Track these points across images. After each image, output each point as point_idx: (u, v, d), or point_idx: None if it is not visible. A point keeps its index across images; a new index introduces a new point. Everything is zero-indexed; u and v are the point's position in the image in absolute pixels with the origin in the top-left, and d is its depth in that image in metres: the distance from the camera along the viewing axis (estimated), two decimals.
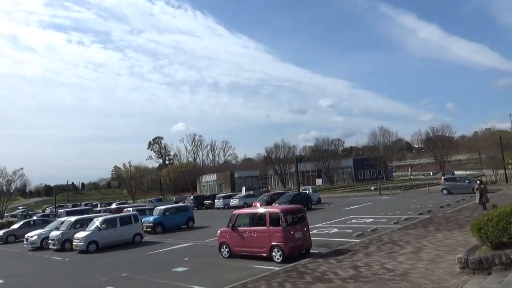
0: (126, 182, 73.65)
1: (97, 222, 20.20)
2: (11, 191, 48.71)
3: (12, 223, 41.42)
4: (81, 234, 19.60)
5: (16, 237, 27.93)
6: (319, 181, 53.21)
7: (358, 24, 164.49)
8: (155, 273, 13.04)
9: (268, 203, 32.54)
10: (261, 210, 13.79)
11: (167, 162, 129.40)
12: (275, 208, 13.84)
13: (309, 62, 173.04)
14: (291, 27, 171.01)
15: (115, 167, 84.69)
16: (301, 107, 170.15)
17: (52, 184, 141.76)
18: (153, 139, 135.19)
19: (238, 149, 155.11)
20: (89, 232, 19.64)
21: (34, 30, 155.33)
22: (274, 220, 12.59)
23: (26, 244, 22.82)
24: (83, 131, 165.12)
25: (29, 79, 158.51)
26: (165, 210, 26.11)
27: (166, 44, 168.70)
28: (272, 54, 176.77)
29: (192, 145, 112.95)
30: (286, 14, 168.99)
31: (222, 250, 14.24)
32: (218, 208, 42.71)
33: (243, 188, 61.54)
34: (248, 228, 13.38)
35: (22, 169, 48.16)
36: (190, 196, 50.56)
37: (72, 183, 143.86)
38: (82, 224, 21.71)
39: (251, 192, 47.77)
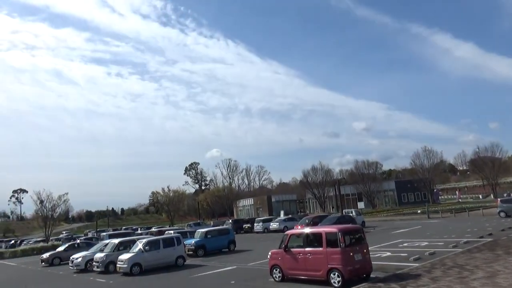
0: (164, 206, 74.23)
1: (140, 244, 19.99)
2: (56, 216, 50.09)
3: (57, 246, 42.40)
4: (124, 256, 19.41)
5: (61, 259, 28.26)
6: (361, 205, 51.27)
7: (390, 45, 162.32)
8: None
9: (311, 226, 31.42)
10: (317, 229, 13.01)
11: (203, 187, 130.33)
12: (332, 228, 12.98)
13: (341, 85, 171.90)
14: (321, 51, 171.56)
15: (153, 192, 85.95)
16: (334, 130, 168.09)
17: (93, 210, 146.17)
18: (189, 165, 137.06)
19: (273, 174, 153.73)
20: (133, 254, 19.42)
21: (76, 64, 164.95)
22: (331, 240, 11.74)
23: (71, 266, 22.94)
24: (121, 159, 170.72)
25: (71, 110, 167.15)
26: (206, 232, 25.66)
27: (199, 73, 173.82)
28: (303, 79, 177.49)
29: (227, 170, 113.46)
30: (316, 37, 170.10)
31: (274, 273, 13.46)
32: (257, 232, 41.77)
33: (281, 212, 60.41)
34: (303, 249, 12.58)
35: (67, 194, 49.54)
36: (229, 220, 49.96)
37: (112, 208, 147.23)
38: (125, 246, 21.60)
39: (290, 216, 46.51)
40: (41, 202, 46.56)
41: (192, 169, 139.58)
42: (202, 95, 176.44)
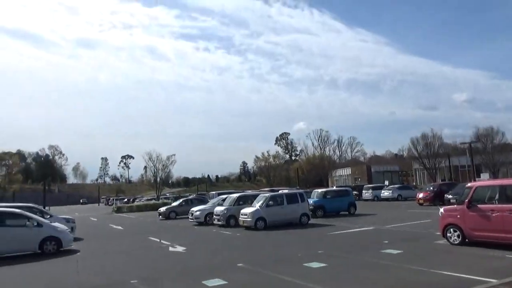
0: (264, 171, 74.52)
1: (263, 198, 18.72)
2: (165, 175, 52.66)
3: (167, 203, 44.48)
4: (248, 210, 18.32)
5: (176, 213, 28.88)
6: (484, 176, 44.94)
7: (497, 6, 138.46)
8: (361, 252, 10.41)
9: (437, 194, 27.73)
10: None
11: (293, 157, 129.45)
12: None
13: (437, 52, 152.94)
14: (414, 16, 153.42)
15: (256, 156, 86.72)
16: (430, 102, 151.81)
17: (189, 177, 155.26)
18: (279, 135, 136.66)
19: (365, 146, 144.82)
20: (257, 208, 18.23)
21: (167, 41, 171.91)
22: None
23: (191, 219, 22.85)
24: (209, 130, 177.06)
25: (164, 84, 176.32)
26: (325, 192, 23.73)
27: (283, 44, 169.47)
28: (393, 46, 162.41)
29: (318, 140, 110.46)
30: (407, 2, 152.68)
31: (449, 234, 10.90)
32: (365, 200, 38.95)
33: (386, 182, 56.25)
34: (498, 205, 9.75)
35: (174, 155, 51.71)
36: (333, 187, 47.63)
37: (208, 175, 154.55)
38: (245, 201, 20.66)
39: (405, 184, 42.53)
40: (152, 161, 49.03)
41: (283, 139, 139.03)
42: (287, 67, 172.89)
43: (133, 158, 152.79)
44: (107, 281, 8.83)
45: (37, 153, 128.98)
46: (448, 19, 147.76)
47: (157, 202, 48.09)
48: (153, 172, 51.27)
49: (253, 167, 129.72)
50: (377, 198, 38.28)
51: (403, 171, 75.36)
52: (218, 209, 20.58)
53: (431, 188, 29.02)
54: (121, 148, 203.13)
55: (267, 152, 68.76)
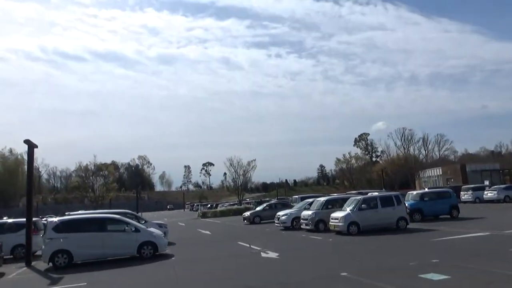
0: (347, 174, 72.01)
1: (355, 201, 17.49)
2: (248, 179, 53.21)
3: (249, 208, 44.74)
4: (339, 214, 17.23)
5: (261, 218, 28.66)
6: None
7: None
8: (487, 263, 8.84)
9: None
10: None
11: (374, 158, 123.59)
12: None
13: None
14: None
15: (337, 158, 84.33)
16: None
17: (267, 182, 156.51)
18: (358, 136, 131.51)
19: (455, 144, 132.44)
20: (348, 212, 17.07)
21: (240, 50, 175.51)
22: None
23: (277, 224, 22.32)
24: (284, 135, 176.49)
25: (239, 93, 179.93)
26: (423, 194, 21.64)
27: (357, 43, 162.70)
28: (482, 34, 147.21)
29: (401, 139, 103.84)
30: None
31: None
32: (464, 202, 35.12)
33: (486, 182, 50.70)
34: None
35: (254, 160, 52.06)
36: (425, 189, 44.01)
37: (286, 180, 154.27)
38: (333, 205, 19.62)
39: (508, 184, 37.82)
40: (233, 167, 49.86)
41: (362, 140, 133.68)
42: (361, 66, 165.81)
43: (213, 165, 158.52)
44: None
45: (129, 163, 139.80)
46: None
47: (239, 207, 48.72)
48: (234, 177, 52.02)
49: (331, 170, 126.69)
50: (478, 200, 34.36)
51: (505, 169, 67.45)
52: (306, 213, 19.75)
53: None
54: (202, 157, 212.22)
55: (348, 153, 66.25)
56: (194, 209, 76.17)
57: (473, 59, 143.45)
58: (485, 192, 34.20)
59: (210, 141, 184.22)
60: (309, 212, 19.51)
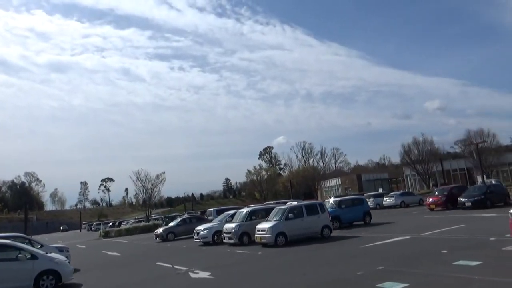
0: (257, 185, 72.41)
1: (282, 211, 17.00)
2: (155, 195, 50.05)
3: (158, 225, 41.97)
4: (265, 225, 16.53)
5: (175, 234, 26.70)
6: (480, 179, 44.48)
7: (464, 16, 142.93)
8: (432, 266, 8.82)
9: (449, 198, 26.60)
10: None
11: (278, 171, 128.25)
12: None
13: (409, 63, 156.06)
14: (385, 29, 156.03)
15: (248, 170, 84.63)
16: (404, 111, 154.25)
17: (172, 196, 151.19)
18: (263, 149, 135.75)
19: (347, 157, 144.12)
20: (275, 222, 16.47)
21: (142, 62, 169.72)
22: None
23: (196, 239, 20.81)
24: (188, 149, 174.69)
25: (141, 105, 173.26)
26: (340, 202, 22.19)
27: (258, 61, 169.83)
28: (366, 59, 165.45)
29: (302, 152, 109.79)
30: (378, 15, 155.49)
31: None
32: None
33: (380, 189, 55.37)
34: None
35: (163, 173, 49.17)
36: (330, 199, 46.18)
37: (192, 194, 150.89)
38: (257, 216, 18.90)
39: (407, 190, 41.59)
40: (140, 180, 46.50)
41: (266, 153, 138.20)
42: (262, 82, 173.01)
43: (114, 181, 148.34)
44: None
45: (13, 181, 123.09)
46: (418, 30, 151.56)
47: (147, 223, 45.43)
48: (142, 192, 48.47)
49: (236, 183, 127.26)
50: (379, 206, 36.99)
51: (392, 178, 74.93)
52: (228, 226, 18.67)
53: (442, 192, 27.85)
54: (101, 172, 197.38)
55: (259, 165, 67.22)
56: (93, 228, 69.40)
57: (359, 80, 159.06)
58: (384, 199, 36.99)
59: (109, 155, 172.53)
60: (232, 225, 18.47)
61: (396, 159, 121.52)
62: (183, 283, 10.59)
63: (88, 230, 72.26)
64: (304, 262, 11.81)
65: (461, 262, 8.86)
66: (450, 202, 26.31)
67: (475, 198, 24.38)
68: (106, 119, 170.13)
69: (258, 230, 16.70)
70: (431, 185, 60.73)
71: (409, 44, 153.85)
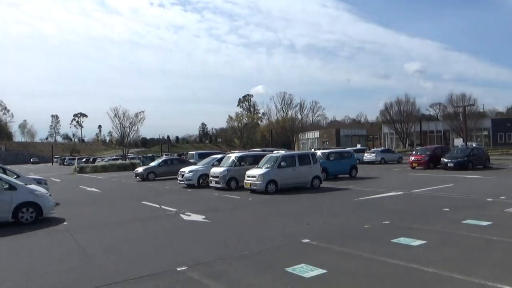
0: (238, 132, 71.61)
1: (274, 159, 16.49)
2: (133, 134, 48.68)
3: (135, 164, 41.23)
4: (256, 172, 16.05)
5: (156, 174, 26.07)
6: (458, 141, 45.52)
7: None
8: (442, 224, 8.56)
9: (432, 158, 26.90)
10: None
11: (255, 120, 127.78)
12: None
13: (395, 21, 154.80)
14: None
15: (229, 116, 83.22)
16: (384, 71, 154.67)
17: (147, 137, 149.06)
18: (243, 97, 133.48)
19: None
20: (267, 169, 15.99)
21: None
22: None
23: (180, 181, 20.25)
24: (165, 91, 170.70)
25: (117, 41, 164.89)
26: (329, 154, 21.91)
27: (243, 5, 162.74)
28: (353, 13, 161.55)
29: (282, 103, 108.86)
30: None
31: None
32: None
33: (358, 145, 56.02)
34: None
35: (143, 112, 47.51)
36: (312, 149, 46.29)
37: (168, 136, 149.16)
38: (246, 162, 18.40)
39: (387, 147, 42.06)
40: (118, 118, 44.79)
41: (246, 101, 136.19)
42: (245, 28, 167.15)
43: (86, 116, 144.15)
44: (139, 269, 6.26)
45: None
46: None
47: (124, 162, 44.56)
48: (119, 130, 46.91)
49: (212, 128, 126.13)
50: (358, 161, 37.19)
51: (371, 135, 76.03)
52: (216, 170, 18.11)
53: (425, 151, 28.10)
54: (72, 107, 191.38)
55: (241, 112, 66.16)
56: (65, 163, 67.91)
57: (343, 35, 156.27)
58: (365, 155, 37.26)
59: (82, 90, 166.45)
60: (221, 169, 17.91)
61: (372, 117, 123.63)
62: (177, 224, 10.03)
63: (60, 164, 70.72)
64: (303, 211, 11.45)
65: (470, 222, 8.64)
66: (432, 162, 26.66)
67: (458, 159, 24.70)
68: (80, 52, 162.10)
69: (248, 176, 16.23)
70: (407, 144, 62.04)
71: (396, 1, 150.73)
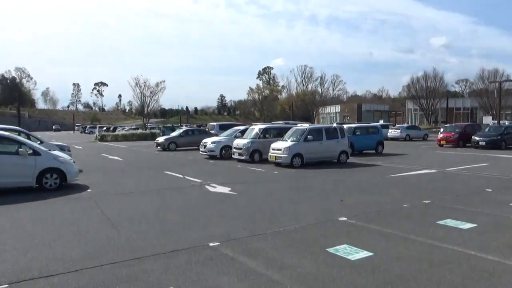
0: (258, 104, 70.81)
1: (300, 132, 15.89)
2: (154, 104, 48.51)
3: (155, 134, 41.28)
4: (282, 144, 15.51)
5: (177, 145, 25.83)
6: (487, 119, 43.71)
7: None
8: (489, 206, 7.91)
9: (462, 136, 25.79)
10: None
11: (275, 93, 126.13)
12: None
13: None
14: None
15: (250, 88, 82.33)
16: (408, 45, 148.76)
17: (166, 108, 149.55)
18: (263, 69, 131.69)
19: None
20: (293, 142, 15.44)
21: None
22: None
23: (203, 152, 19.92)
24: (182, 61, 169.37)
25: (136, 9, 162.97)
26: (355, 129, 21.15)
27: None
28: None
29: (302, 76, 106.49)
30: None
31: None
32: None
33: (381, 121, 54.69)
34: None
35: (164, 81, 47.04)
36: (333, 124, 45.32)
37: (187, 107, 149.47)
38: (270, 134, 17.89)
39: (412, 124, 40.73)
40: (139, 87, 44.57)
41: (265, 74, 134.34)
42: None
43: (107, 85, 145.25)
44: (168, 242, 5.89)
45: (3, 75, 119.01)
46: None
47: (144, 131, 44.68)
48: (140, 99, 46.77)
49: (231, 100, 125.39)
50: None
51: (393, 111, 74.15)
52: (240, 142, 17.66)
53: (455, 129, 26.95)
54: (93, 76, 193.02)
55: (261, 84, 65.11)
56: (86, 131, 68.86)
57: (366, 6, 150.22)
58: (390, 131, 36.13)
59: (101, 60, 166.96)
60: (244, 141, 17.45)
61: (394, 93, 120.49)
62: (203, 196, 9.68)
63: (81, 133, 71.78)
64: (333, 187, 10.93)
65: None
66: (462, 140, 25.58)
67: (491, 138, 23.57)
68: (98, 21, 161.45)
69: (273, 149, 15.72)
70: (431, 121, 60.24)
71: None
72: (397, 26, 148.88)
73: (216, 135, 23.65)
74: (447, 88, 68.76)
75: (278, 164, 15.58)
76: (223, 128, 28.36)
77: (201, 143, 20.25)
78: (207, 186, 10.89)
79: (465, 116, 57.48)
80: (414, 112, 63.25)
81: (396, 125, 38.72)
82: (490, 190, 9.79)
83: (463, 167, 14.77)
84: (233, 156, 18.01)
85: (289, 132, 16.38)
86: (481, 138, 23.89)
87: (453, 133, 26.25)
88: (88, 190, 10.51)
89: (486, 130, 25.71)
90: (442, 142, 26.31)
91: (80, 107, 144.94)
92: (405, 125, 39.02)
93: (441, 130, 28.77)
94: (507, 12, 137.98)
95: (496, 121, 34.46)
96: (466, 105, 58.09)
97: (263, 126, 18.68)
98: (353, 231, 6.26)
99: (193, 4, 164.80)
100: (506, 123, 31.00)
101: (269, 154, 15.91)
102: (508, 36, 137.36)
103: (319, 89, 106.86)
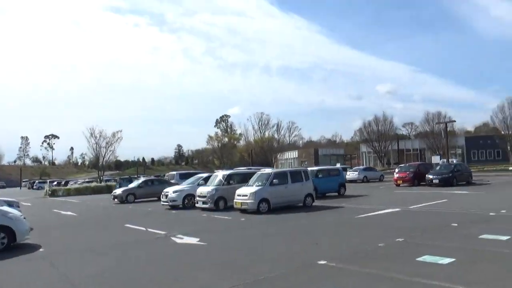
0: (217, 152, 70.48)
1: (266, 176, 15.78)
2: (109, 155, 46.91)
3: (111, 187, 39.50)
4: (248, 190, 15.26)
5: (135, 196, 24.73)
6: (436, 159, 46.23)
7: (423, 2, 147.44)
8: (460, 240, 8.04)
9: (416, 175, 26.88)
10: None
11: (232, 140, 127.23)
12: None
13: (367, 44, 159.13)
14: (348, 7, 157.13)
15: (209, 136, 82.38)
16: (357, 92, 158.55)
17: (121, 159, 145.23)
18: (220, 117, 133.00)
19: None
20: (259, 187, 15.24)
21: (94, 12, 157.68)
22: None
23: (164, 202, 19.14)
24: (140, 112, 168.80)
25: (91, 62, 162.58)
26: (318, 171, 21.39)
27: (219, 26, 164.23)
28: (326, 35, 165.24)
29: (259, 123, 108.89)
30: None
31: None
32: None
33: (338, 164, 56.19)
34: None
35: (121, 131, 45.92)
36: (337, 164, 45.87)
37: (143, 158, 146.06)
38: (234, 180, 17.62)
39: (369, 166, 42.09)
40: (94, 137, 43.10)
41: (223, 122, 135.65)
42: (221, 50, 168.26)
43: (58, 138, 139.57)
44: None
45: None
46: (379, 11, 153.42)
47: (99, 184, 42.66)
48: (95, 150, 45.07)
49: (188, 150, 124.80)
50: None
51: (348, 154, 76.70)
52: (203, 189, 17.19)
53: (409, 168, 28.12)
54: (44, 129, 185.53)
55: (220, 131, 65.48)
56: (35, 187, 64.58)
57: (316, 57, 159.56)
58: (348, 173, 37.01)
59: (53, 112, 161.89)
60: (208, 189, 17.01)
61: (347, 137, 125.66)
62: (170, 249, 9.09)
63: (29, 189, 67.23)
64: (305, 231, 10.73)
65: (488, 236, 8.16)
66: (417, 179, 26.63)
67: (443, 175, 24.75)
68: (49, 73, 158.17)
69: (239, 195, 15.41)
70: (384, 163, 62.77)
71: (368, 24, 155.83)
72: (345, 75, 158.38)
73: (177, 184, 22.97)
74: (396, 131, 72.72)
75: (244, 211, 15.20)
76: (183, 176, 27.67)
77: (163, 193, 19.50)
78: (173, 238, 10.29)
79: (414, 156, 60.53)
80: (368, 155, 65.78)
81: (354, 168, 39.78)
82: (456, 224, 10.02)
83: (424, 204, 15.20)
84: (196, 205, 17.43)
85: (254, 177, 16.22)
86: (434, 176, 25.00)
87: (408, 172, 27.33)
88: (41, 250, 9.57)
89: (437, 168, 27.05)
90: (398, 182, 27.23)
91: (28, 161, 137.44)
92: (362, 167, 40.27)
93: (397, 170, 29.86)
94: (442, 61, 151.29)
95: (445, 160, 36.47)
96: (415, 146, 61.41)
97: (227, 172, 18.41)
98: (336, 274, 6.04)
99: (150, 55, 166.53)
100: (455, 161, 32.89)
101: (235, 200, 15.56)
102: (445, 83, 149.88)
103: (276, 136, 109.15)
